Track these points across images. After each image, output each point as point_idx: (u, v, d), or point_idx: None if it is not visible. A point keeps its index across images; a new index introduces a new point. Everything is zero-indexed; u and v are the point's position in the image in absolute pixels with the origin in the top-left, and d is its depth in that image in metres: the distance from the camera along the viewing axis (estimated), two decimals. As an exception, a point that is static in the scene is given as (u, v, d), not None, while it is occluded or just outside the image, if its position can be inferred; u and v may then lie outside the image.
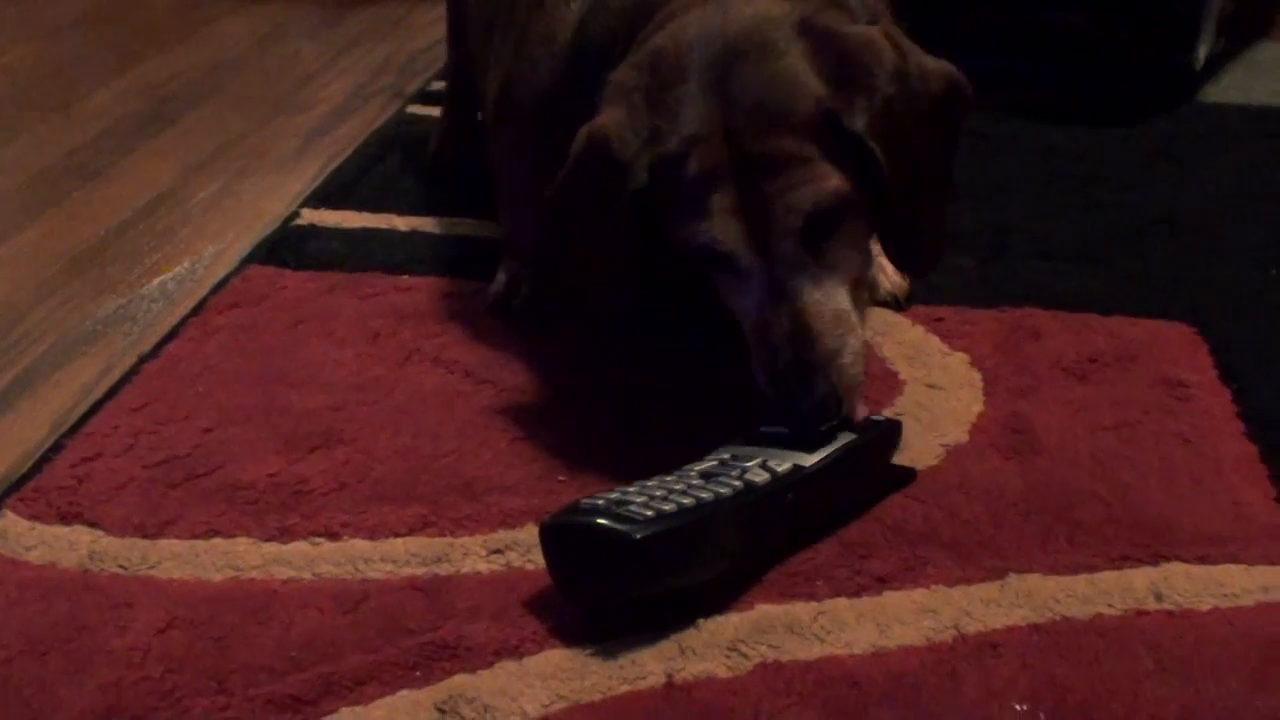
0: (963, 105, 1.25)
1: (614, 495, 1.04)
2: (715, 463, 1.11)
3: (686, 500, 1.03)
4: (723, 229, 1.19)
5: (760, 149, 1.17)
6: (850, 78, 1.19)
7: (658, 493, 1.04)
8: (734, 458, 1.12)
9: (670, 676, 1.00)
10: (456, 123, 1.95)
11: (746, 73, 1.19)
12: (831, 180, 1.17)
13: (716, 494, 1.05)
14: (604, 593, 1.04)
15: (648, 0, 1.33)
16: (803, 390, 1.16)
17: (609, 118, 1.23)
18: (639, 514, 1.00)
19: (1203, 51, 2.23)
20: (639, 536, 0.99)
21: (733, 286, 1.23)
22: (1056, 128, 2.08)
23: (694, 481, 1.07)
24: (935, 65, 1.24)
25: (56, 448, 1.28)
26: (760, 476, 1.08)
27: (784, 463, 1.10)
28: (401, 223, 1.73)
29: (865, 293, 1.27)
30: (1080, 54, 2.28)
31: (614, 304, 1.31)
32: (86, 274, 1.67)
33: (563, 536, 1.04)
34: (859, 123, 1.18)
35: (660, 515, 1.01)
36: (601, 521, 1.00)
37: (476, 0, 1.73)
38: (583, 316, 1.44)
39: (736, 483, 1.07)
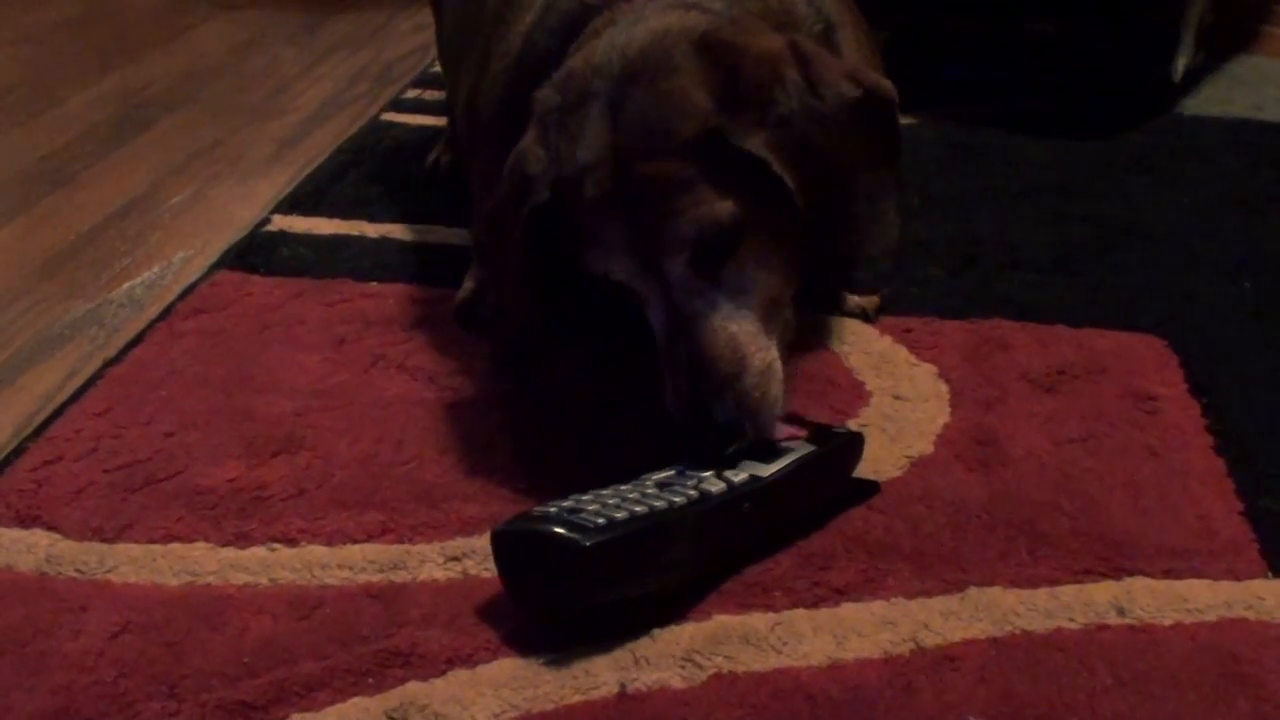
0: (884, 109, 1.20)
1: (567, 503, 1.04)
2: (672, 472, 1.11)
3: (640, 509, 1.02)
4: (615, 259, 1.19)
5: (645, 173, 1.15)
6: (743, 95, 1.16)
7: (611, 501, 1.04)
8: (691, 467, 1.11)
9: (624, 686, 0.99)
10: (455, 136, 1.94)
11: (637, 95, 1.17)
12: (715, 204, 1.14)
13: (671, 503, 1.04)
14: (555, 600, 1.03)
15: (579, 16, 1.33)
16: (701, 416, 1.14)
17: (527, 139, 1.24)
18: (590, 521, 1.00)
19: (1181, 64, 2.24)
20: (589, 544, 0.98)
21: (648, 311, 1.22)
22: (1032, 138, 2.07)
23: (649, 490, 1.06)
24: (847, 70, 1.21)
25: (18, 451, 1.27)
26: (716, 486, 1.08)
27: (741, 473, 1.10)
28: (371, 230, 1.73)
29: (786, 310, 1.22)
30: (1058, 65, 2.28)
31: (530, 324, 1.30)
32: (56, 278, 1.66)
33: (514, 544, 1.03)
34: (751, 141, 1.15)
35: (612, 523, 1.00)
36: (552, 529, 1.00)
37: (450, 21, 1.73)
38: (496, 336, 1.43)
39: (692, 492, 1.06)
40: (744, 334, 1.16)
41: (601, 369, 1.41)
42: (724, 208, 1.14)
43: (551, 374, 1.41)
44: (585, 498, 1.05)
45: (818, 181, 1.16)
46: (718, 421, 1.13)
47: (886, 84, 1.21)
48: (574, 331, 1.36)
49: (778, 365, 1.17)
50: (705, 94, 1.16)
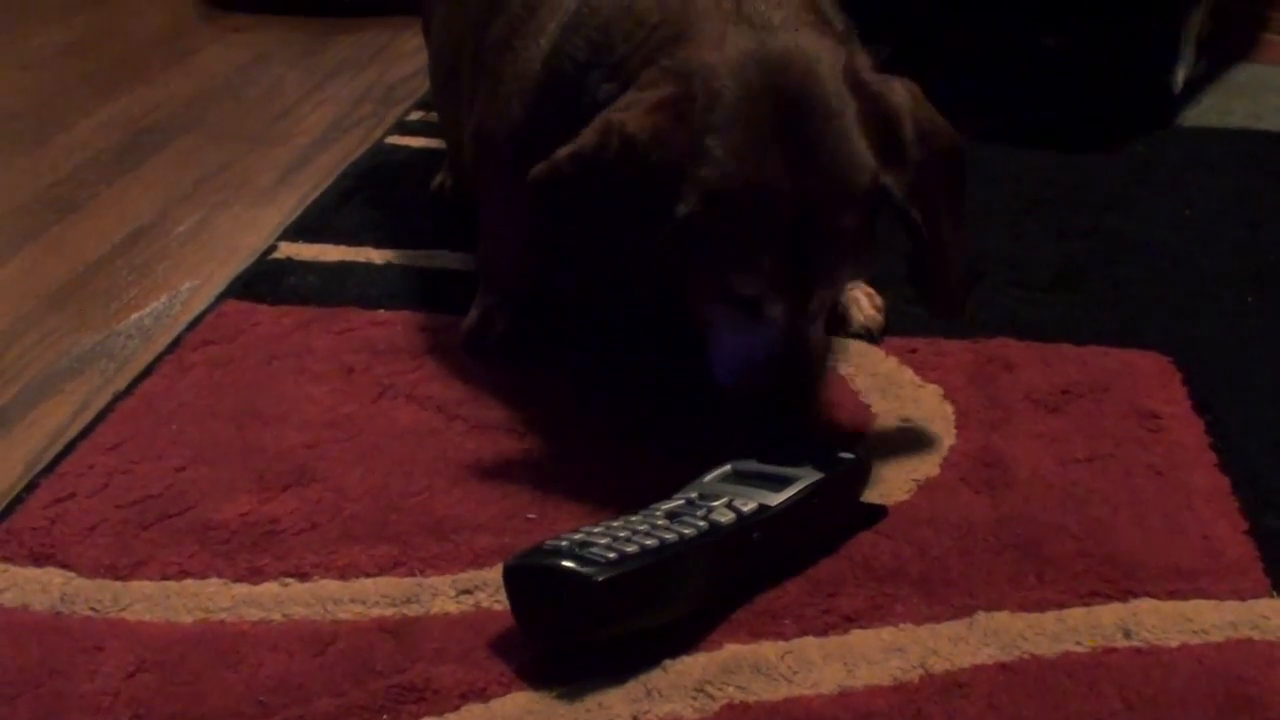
0: (962, 154, 1.29)
1: (578, 536, 1.04)
2: (682, 501, 1.12)
3: (650, 541, 1.03)
4: (769, 289, 1.22)
5: (823, 219, 1.20)
6: (891, 145, 1.22)
7: (622, 533, 1.04)
8: (701, 497, 1.12)
9: (636, 719, 1.00)
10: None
11: (813, 130, 1.20)
12: (866, 259, 1.24)
13: (681, 534, 1.05)
14: (567, 634, 1.04)
15: (636, 14, 1.32)
16: (797, 409, 1.25)
17: (641, 121, 1.21)
18: (601, 555, 1.00)
19: (1181, 74, 2.24)
20: (601, 579, 0.99)
21: (736, 321, 1.25)
22: (1033, 152, 2.08)
23: (659, 521, 1.07)
24: (944, 122, 1.27)
25: (30, 488, 1.28)
26: (726, 516, 1.08)
27: (750, 502, 1.11)
28: (378, 256, 1.73)
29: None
30: (1058, 77, 2.28)
31: (587, 303, 1.32)
32: (64, 310, 1.67)
33: (525, 578, 1.04)
34: (900, 194, 1.22)
35: (623, 557, 1.01)
36: (564, 563, 1.00)
37: (437, 49, 1.74)
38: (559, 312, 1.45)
39: (702, 523, 1.07)
40: (825, 343, 1.30)
41: (610, 392, 1.42)
42: (868, 262, 1.25)
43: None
44: (596, 530, 1.06)
45: (933, 222, 1.24)
46: (802, 416, 1.26)
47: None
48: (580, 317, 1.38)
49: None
50: (867, 144, 1.21)
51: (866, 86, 1.24)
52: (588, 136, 1.23)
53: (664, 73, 1.24)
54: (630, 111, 1.22)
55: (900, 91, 1.25)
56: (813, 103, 1.21)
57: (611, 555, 1.01)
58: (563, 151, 1.24)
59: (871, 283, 1.53)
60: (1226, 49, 2.53)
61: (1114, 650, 1.06)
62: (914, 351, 1.48)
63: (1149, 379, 1.44)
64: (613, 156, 1.21)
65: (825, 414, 1.30)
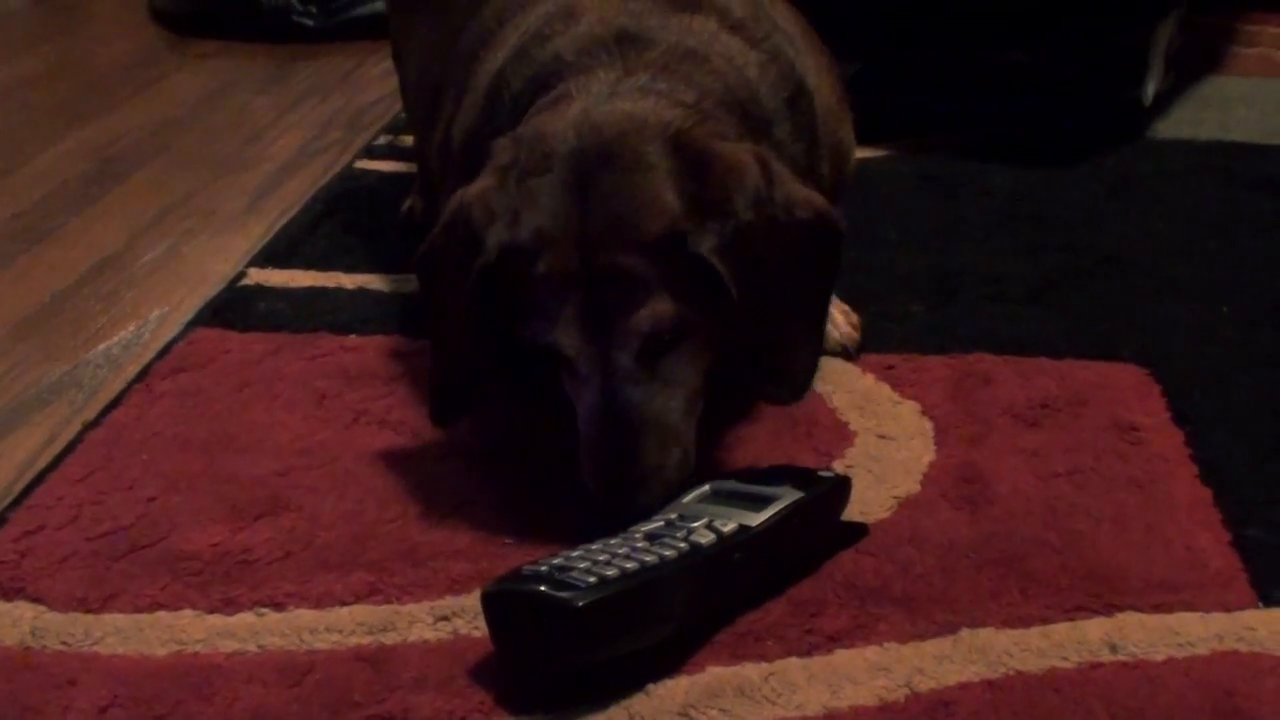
0: (831, 237, 1.25)
1: (556, 560, 1.03)
2: (661, 523, 1.11)
3: (630, 564, 1.02)
4: (565, 336, 1.20)
5: (608, 263, 1.18)
6: (709, 200, 1.19)
7: (601, 557, 1.03)
8: (680, 518, 1.11)
9: (620, 745, 0.99)
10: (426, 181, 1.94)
11: (609, 181, 1.19)
12: (669, 306, 1.18)
13: (661, 557, 1.04)
14: (548, 660, 1.02)
15: (552, 71, 1.33)
16: (625, 502, 1.18)
17: (479, 186, 1.25)
18: (581, 580, 0.99)
19: (1151, 88, 2.24)
20: (581, 604, 0.97)
21: (571, 384, 1.24)
22: (1005, 167, 2.08)
23: (638, 544, 1.06)
24: (804, 195, 1.24)
25: (0, 521, 1.26)
26: (706, 537, 1.07)
27: (730, 522, 1.09)
28: (348, 281, 1.72)
29: (702, 401, 1.25)
30: (1028, 92, 2.28)
31: (466, 372, 1.29)
32: (31, 340, 1.65)
33: (504, 604, 1.03)
34: (706, 245, 1.18)
35: (603, 581, 1.00)
36: (543, 589, 0.99)
37: (417, 69, 1.73)
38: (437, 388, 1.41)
39: (682, 544, 1.06)
40: (672, 427, 1.20)
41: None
42: (677, 308, 1.18)
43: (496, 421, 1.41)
44: (575, 554, 1.05)
45: (759, 294, 1.20)
46: (633, 509, 1.16)
47: (838, 214, 1.26)
48: (505, 382, 1.36)
49: (692, 455, 1.23)
50: (674, 194, 1.19)
51: (694, 147, 1.21)
52: (446, 210, 1.27)
53: (511, 139, 1.27)
54: (474, 184, 1.25)
55: (738, 157, 1.22)
56: (617, 159, 1.20)
57: (591, 579, 1.00)
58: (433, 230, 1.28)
59: (848, 300, 1.53)
60: (1196, 62, 2.53)
61: (1100, 665, 1.05)
62: (891, 368, 1.48)
63: (1127, 391, 1.43)
64: (453, 225, 1.25)
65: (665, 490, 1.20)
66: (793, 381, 1.28)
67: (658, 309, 1.18)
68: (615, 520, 1.15)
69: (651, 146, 1.20)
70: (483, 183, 1.24)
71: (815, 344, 1.29)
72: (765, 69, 1.36)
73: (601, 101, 1.25)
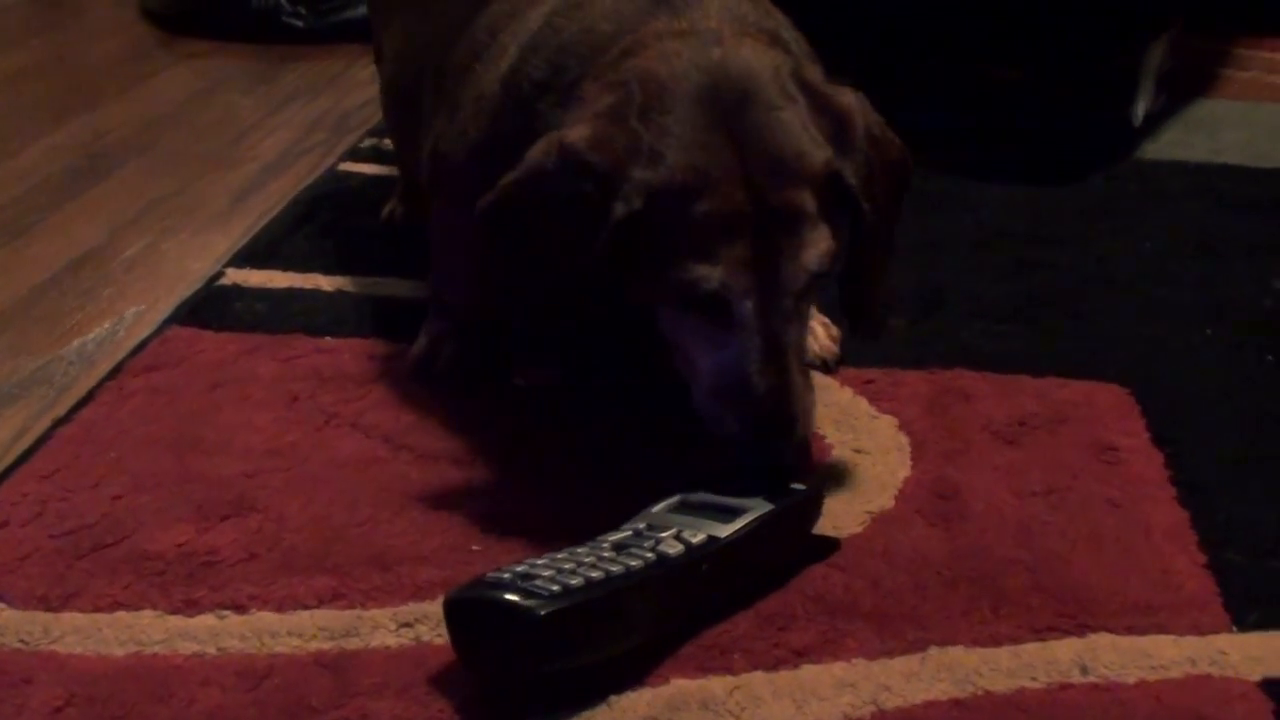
0: (909, 175, 1.28)
1: (520, 568, 1.02)
2: (630, 533, 1.09)
3: (595, 574, 1.00)
4: (734, 279, 1.16)
5: (779, 201, 1.16)
6: (841, 138, 1.21)
7: (566, 565, 1.02)
8: (649, 528, 1.10)
9: (580, 756, 0.97)
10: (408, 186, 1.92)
11: (757, 119, 1.18)
12: (830, 242, 1.18)
13: (627, 567, 1.02)
14: (510, 669, 1.01)
15: (594, 37, 1.30)
16: (782, 440, 1.17)
17: (583, 130, 1.19)
18: (545, 588, 0.98)
19: (1142, 108, 2.24)
20: (544, 612, 0.96)
21: (706, 334, 1.20)
22: (992, 184, 2.07)
23: (605, 553, 1.04)
24: (891, 135, 1.27)
25: (-38, 516, 1.25)
26: (674, 548, 1.06)
27: (699, 533, 1.08)
28: (326, 283, 1.71)
29: None
30: (1018, 110, 2.28)
31: (548, 335, 1.28)
32: (5, 335, 1.63)
33: (467, 611, 1.01)
34: (854, 181, 1.20)
35: (567, 590, 0.98)
36: (506, 596, 0.98)
37: (392, 74, 1.72)
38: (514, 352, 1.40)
39: (649, 554, 1.04)
40: (809, 368, 1.22)
41: (560, 422, 1.39)
42: (835, 246, 1.19)
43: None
44: (540, 562, 1.03)
45: (876, 226, 1.22)
46: (791, 448, 1.18)
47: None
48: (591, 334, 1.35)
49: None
50: (818, 131, 1.20)
51: (814, 87, 1.23)
52: (531, 155, 1.21)
53: (605, 85, 1.23)
54: (571, 127, 1.20)
55: (850, 96, 1.24)
56: (756, 97, 1.19)
57: (555, 588, 0.98)
58: (508, 176, 1.22)
59: (827, 313, 1.51)
60: (1186, 84, 2.53)
61: (1070, 686, 1.04)
62: (870, 382, 1.46)
63: (1107, 411, 1.42)
64: (552, 170, 1.19)
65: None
66: (873, 317, 1.32)
67: (822, 246, 1.18)
68: (775, 461, 1.17)
69: (779, 87, 1.20)
70: (587, 127, 1.19)
71: (889, 281, 1.32)
72: (785, 22, 1.37)
73: (704, 48, 1.22)
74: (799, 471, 1.20)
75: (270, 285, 1.70)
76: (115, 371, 1.50)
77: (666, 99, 1.18)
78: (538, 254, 1.23)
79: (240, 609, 1.12)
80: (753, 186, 1.16)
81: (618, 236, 1.16)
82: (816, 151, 1.18)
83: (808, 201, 1.17)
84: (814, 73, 1.26)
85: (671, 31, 1.26)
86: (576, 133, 1.19)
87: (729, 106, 1.18)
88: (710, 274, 1.16)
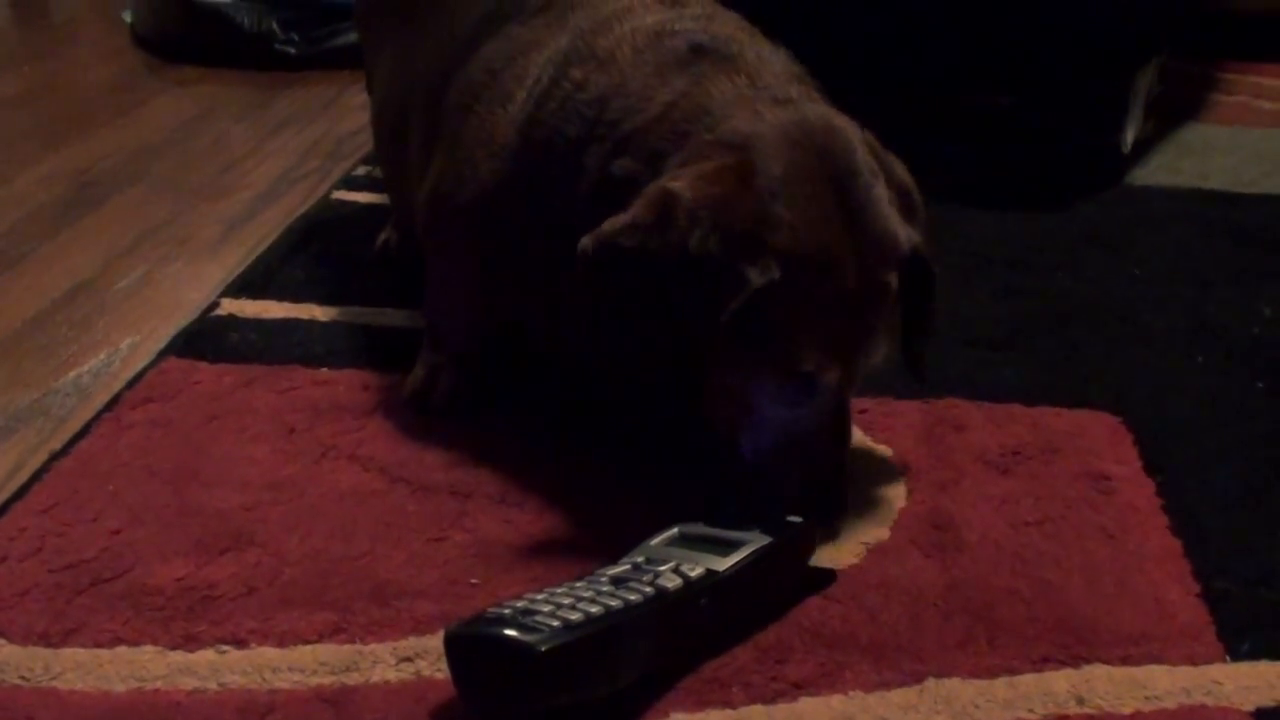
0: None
1: (520, 604, 1.02)
2: (628, 566, 1.10)
3: (595, 609, 1.01)
4: (827, 355, 1.20)
5: (880, 282, 1.21)
6: (909, 210, 1.27)
7: (566, 600, 1.02)
8: (647, 561, 1.10)
9: (580, 792, 0.98)
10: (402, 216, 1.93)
11: (861, 197, 1.21)
12: (896, 318, 1.26)
13: (626, 601, 1.03)
14: (510, 705, 1.01)
15: (642, 93, 1.31)
16: (840, 494, 1.25)
17: (704, 189, 1.18)
18: (545, 624, 0.98)
19: (1130, 134, 2.25)
20: (544, 648, 0.97)
21: (776, 394, 1.21)
22: (983, 211, 2.08)
23: (604, 588, 1.05)
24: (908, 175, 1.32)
25: (-39, 551, 1.25)
26: (673, 582, 1.06)
27: (697, 567, 1.09)
28: (321, 313, 1.71)
29: None
30: (1007, 136, 2.29)
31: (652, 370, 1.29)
32: (1, 367, 1.64)
33: (467, 646, 1.02)
34: (927, 255, 1.26)
35: (567, 625, 0.99)
36: (506, 632, 0.98)
37: (381, 104, 1.73)
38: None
39: (648, 589, 1.05)
40: None
41: (557, 454, 1.40)
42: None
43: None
44: (539, 597, 1.04)
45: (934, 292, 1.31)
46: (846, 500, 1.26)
47: None
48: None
49: None
50: (895, 207, 1.23)
51: (882, 156, 1.27)
52: (641, 208, 1.20)
53: (713, 144, 1.23)
54: (685, 181, 1.20)
55: (898, 162, 1.30)
56: (856, 170, 1.21)
57: (555, 623, 0.99)
58: (615, 223, 1.20)
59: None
60: (1176, 109, 2.54)
61: (1067, 717, 1.05)
62: (864, 412, 1.47)
63: (1100, 440, 1.43)
64: (676, 225, 1.18)
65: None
66: (924, 363, 1.38)
67: (892, 322, 1.23)
68: (823, 524, 1.22)
69: (867, 158, 1.23)
70: (709, 184, 1.19)
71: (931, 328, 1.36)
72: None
73: (783, 108, 1.25)
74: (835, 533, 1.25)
75: (266, 315, 1.71)
76: (112, 404, 1.50)
77: (783, 164, 1.20)
78: (640, 305, 1.22)
79: (241, 644, 1.13)
80: (863, 268, 1.19)
81: (747, 301, 1.17)
82: (902, 231, 1.23)
83: (894, 281, 1.22)
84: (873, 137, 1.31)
85: (734, 87, 1.28)
86: (700, 191, 1.18)
87: (837, 179, 1.20)
88: (812, 355, 1.19)
